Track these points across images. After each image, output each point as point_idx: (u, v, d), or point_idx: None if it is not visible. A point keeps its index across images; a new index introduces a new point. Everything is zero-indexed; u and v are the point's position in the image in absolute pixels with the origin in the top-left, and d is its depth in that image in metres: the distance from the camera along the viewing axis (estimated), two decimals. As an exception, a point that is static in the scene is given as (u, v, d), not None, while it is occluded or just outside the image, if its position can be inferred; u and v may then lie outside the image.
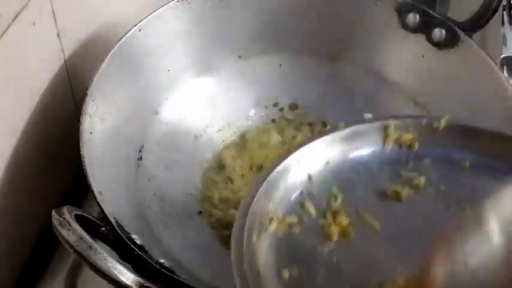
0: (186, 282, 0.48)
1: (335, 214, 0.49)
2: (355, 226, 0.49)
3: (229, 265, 0.58)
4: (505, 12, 0.83)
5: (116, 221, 0.50)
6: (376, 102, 0.68)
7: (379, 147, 0.54)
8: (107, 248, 0.48)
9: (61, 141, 0.60)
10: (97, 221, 0.49)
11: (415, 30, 0.66)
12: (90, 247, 0.44)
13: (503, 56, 0.79)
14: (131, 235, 0.50)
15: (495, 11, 0.64)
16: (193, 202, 0.63)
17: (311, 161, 0.52)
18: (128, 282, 0.44)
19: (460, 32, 0.63)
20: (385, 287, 0.45)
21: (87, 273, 0.57)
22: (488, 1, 0.63)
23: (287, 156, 0.50)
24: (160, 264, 0.49)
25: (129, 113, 0.61)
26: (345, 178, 0.52)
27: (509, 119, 0.59)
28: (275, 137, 0.68)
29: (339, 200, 0.50)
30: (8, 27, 0.49)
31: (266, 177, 0.49)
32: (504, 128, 0.59)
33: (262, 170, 0.64)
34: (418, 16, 0.66)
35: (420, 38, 0.66)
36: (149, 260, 0.48)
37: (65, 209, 0.46)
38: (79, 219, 0.47)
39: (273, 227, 0.47)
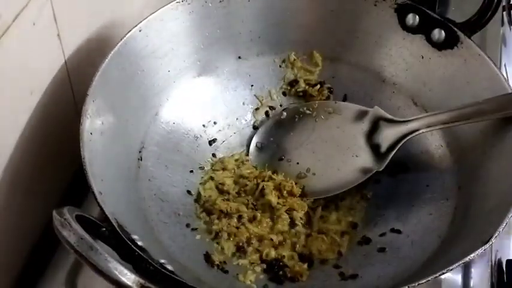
0: (186, 282, 0.48)
1: None
2: None
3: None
4: (505, 12, 0.83)
5: (117, 222, 0.50)
6: (376, 102, 0.68)
7: None
8: (108, 248, 0.48)
9: (61, 141, 0.60)
10: (98, 222, 0.49)
11: (414, 30, 0.66)
12: (91, 247, 0.44)
13: (503, 56, 0.79)
14: (132, 236, 0.50)
15: (495, 11, 0.64)
16: (193, 202, 0.63)
17: None
18: (129, 283, 0.44)
19: (460, 33, 0.64)
20: None
21: (87, 273, 0.57)
22: (488, 1, 0.63)
23: None
24: (161, 265, 0.49)
25: (129, 113, 0.61)
26: None
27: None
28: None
29: None
30: (8, 27, 0.49)
31: None
32: (503, 128, 0.60)
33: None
34: (417, 17, 0.66)
35: (420, 39, 0.66)
36: (150, 261, 0.48)
37: (65, 210, 0.46)
38: (80, 219, 0.47)
39: None
